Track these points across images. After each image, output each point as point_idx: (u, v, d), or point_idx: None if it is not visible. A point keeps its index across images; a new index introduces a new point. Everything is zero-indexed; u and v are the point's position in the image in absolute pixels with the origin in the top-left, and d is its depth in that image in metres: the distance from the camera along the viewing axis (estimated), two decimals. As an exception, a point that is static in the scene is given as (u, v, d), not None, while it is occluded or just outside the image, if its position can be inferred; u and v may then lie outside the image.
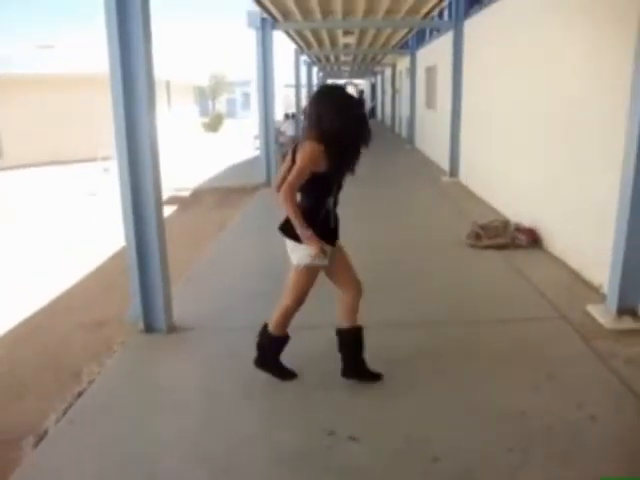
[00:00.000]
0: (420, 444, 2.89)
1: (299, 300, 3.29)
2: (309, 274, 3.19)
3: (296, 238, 3.05)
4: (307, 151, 2.94)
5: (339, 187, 3.18)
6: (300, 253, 3.09)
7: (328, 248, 3.10)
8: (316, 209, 3.10)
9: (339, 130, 2.94)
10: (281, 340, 3.41)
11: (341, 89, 3.17)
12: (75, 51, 21.44)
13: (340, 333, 3.36)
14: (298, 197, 3.04)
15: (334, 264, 3.23)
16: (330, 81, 33.84)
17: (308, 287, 3.25)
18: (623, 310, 4.24)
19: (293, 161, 3.05)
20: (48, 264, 7.43)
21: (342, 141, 2.96)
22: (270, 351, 3.43)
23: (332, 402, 3.28)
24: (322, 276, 3.29)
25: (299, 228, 2.97)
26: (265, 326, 3.44)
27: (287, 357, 3.60)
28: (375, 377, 3.43)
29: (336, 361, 3.42)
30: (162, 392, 3.45)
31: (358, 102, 3.16)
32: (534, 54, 6.75)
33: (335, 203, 3.20)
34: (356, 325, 3.33)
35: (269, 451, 2.86)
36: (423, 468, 2.72)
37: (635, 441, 3.00)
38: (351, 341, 3.36)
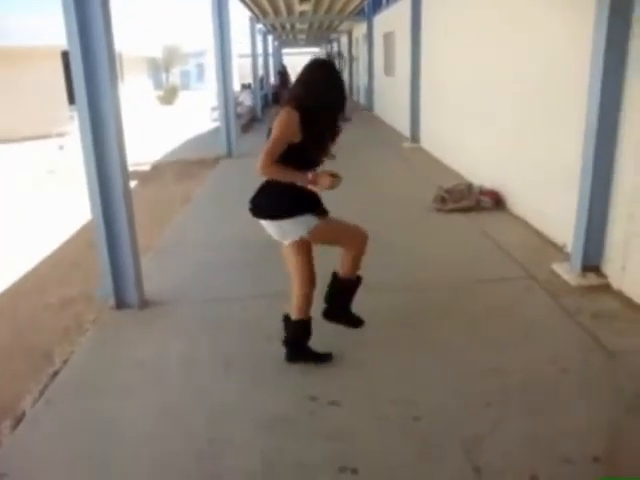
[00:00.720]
0: (400, 405, 2.95)
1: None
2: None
3: (278, 217, 2.96)
4: (283, 118, 2.83)
5: (318, 163, 3.04)
6: (293, 227, 2.97)
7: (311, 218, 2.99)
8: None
9: (319, 103, 2.87)
10: (308, 323, 3.28)
11: (330, 65, 3.09)
12: (19, 23, 20.55)
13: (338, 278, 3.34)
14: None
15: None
16: (286, 50, 33.42)
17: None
18: (587, 267, 4.37)
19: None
20: (9, 244, 7.23)
21: (319, 112, 2.87)
22: (302, 339, 3.31)
23: (311, 369, 3.29)
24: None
25: (298, 180, 2.86)
26: (287, 318, 3.32)
27: (263, 327, 3.63)
28: (357, 322, 3.50)
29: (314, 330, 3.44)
30: (139, 367, 3.42)
31: (341, 81, 3.06)
32: (496, 17, 6.78)
33: None
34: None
35: (253, 419, 2.88)
36: (403, 427, 2.78)
37: (604, 390, 3.10)
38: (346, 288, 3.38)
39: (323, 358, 3.32)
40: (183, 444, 2.73)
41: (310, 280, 3.17)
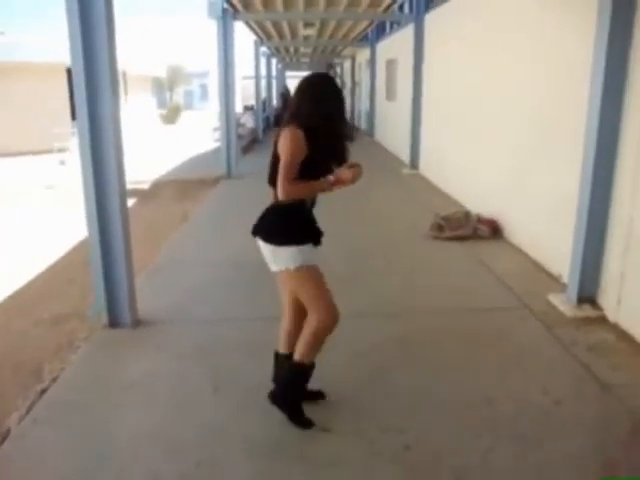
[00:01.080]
0: (391, 433, 2.91)
1: (331, 310, 2.83)
2: (311, 272, 2.83)
3: (274, 241, 2.77)
4: (288, 138, 2.68)
5: (330, 172, 2.86)
6: (285, 255, 2.76)
7: (312, 250, 2.82)
8: (298, 204, 2.80)
9: (320, 119, 2.72)
10: (311, 368, 2.95)
11: (329, 78, 2.93)
12: (26, 38, 20.77)
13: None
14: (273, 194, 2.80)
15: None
16: (290, 73, 33.68)
17: (324, 286, 2.85)
18: (583, 299, 4.36)
19: (276, 152, 2.75)
20: (5, 257, 7.20)
21: (323, 130, 2.72)
22: (299, 385, 2.99)
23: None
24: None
25: (322, 188, 2.74)
26: (285, 356, 3.02)
27: (256, 349, 3.60)
28: (305, 424, 2.97)
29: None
30: (130, 387, 3.39)
31: (341, 94, 2.90)
32: (499, 47, 6.85)
33: (313, 203, 2.91)
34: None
35: (242, 442, 2.84)
36: (396, 455, 2.75)
37: (598, 423, 3.09)
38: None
39: (304, 423, 2.98)
40: (170, 465, 2.69)
41: (335, 308, 2.85)
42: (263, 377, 3.36)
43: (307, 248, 2.79)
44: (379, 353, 3.76)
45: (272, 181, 2.77)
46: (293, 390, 3.00)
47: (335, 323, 2.85)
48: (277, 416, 3.04)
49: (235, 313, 4.44)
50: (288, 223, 2.81)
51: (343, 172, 2.75)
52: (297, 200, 2.78)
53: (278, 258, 2.80)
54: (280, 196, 2.68)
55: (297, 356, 2.90)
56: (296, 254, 2.75)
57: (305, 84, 2.86)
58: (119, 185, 3.91)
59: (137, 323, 4.17)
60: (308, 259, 2.79)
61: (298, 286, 2.86)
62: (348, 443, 2.84)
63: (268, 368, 3.35)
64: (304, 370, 2.93)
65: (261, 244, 2.88)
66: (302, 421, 2.97)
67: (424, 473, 2.64)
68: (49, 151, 15.85)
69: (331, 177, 2.74)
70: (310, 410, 3.06)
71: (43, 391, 3.38)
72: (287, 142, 2.68)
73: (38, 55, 18.09)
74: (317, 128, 2.71)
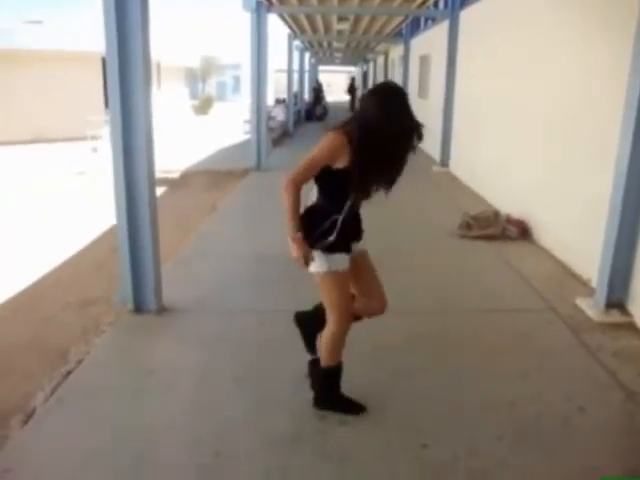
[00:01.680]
0: (410, 430, 2.90)
1: (344, 318, 2.85)
2: (337, 280, 2.79)
3: (313, 244, 2.70)
4: (326, 140, 2.62)
5: (365, 194, 2.80)
6: (316, 257, 2.71)
7: (342, 258, 2.77)
8: (329, 210, 2.72)
9: (378, 134, 2.57)
10: (338, 369, 2.98)
11: (402, 94, 2.74)
12: (64, 27, 21.06)
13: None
14: (315, 195, 2.77)
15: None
16: (322, 67, 33.64)
17: (344, 297, 2.85)
18: (611, 304, 4.28)
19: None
20: (35, 243, 7.34)
21: (375, 145, 2.59)
22: (330, 386, 3.03)
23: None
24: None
25: (288, 224, 2.62)
26: (313, 362, 3.13)
27: (278, 342, 3.61)
28: (355, 409, 3.03)
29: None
30: (152, 373, 3.43)
31: (411, 114, 2.75)
32: (532, 47, 6.74)
33: (355, 211, 2.83)
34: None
35: (261, 434, 2.86)
36: (413, 453, 2.74)
37: (622, 432, 3.03)
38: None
39: (358, 408, 3.04)
40: (187, 455, 2.71)
41: (349, 315, 2.88)
42: (284, 369, 3.39)
43: (337, 256, 2.74)
44: (400, 351, 3.73)
45: (316, 179, 2.72)
46: (329, 392, 3.03)
47: (345, 331, 2.87)
48: (295, 409, 3.07)
49: (260, 306, 4.46)
50: (317, 228, 2.70)
51: (295, 250, 2.64)
52: (331, 205, 2.72)
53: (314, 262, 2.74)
54: (282, 184, 2.60)
55: (322, 362, 2.97)
56: (324, 259, 2.72)
57: (368, 95, 2.70)
58: (148, 174, 3.95)
59: (162, 310, 4.22)
60: (337, 265, 2.75)
61: (322, 289, 2.84)
62: (365, 439, 2.84)
63: (286, 361, 3.42)
64: (332, 372, 2.97)
65: None
66: (354, 408, 3.01)
67: (440, 473, 2.62)
68: (83, 138, 16.07)
69: (297, 235, 2.63)
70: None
71: (68, 373, 3.45)
72: (324, 142, 2.63)
73: (75, 43, 18.35)
74: (365, 145, 2.58)
